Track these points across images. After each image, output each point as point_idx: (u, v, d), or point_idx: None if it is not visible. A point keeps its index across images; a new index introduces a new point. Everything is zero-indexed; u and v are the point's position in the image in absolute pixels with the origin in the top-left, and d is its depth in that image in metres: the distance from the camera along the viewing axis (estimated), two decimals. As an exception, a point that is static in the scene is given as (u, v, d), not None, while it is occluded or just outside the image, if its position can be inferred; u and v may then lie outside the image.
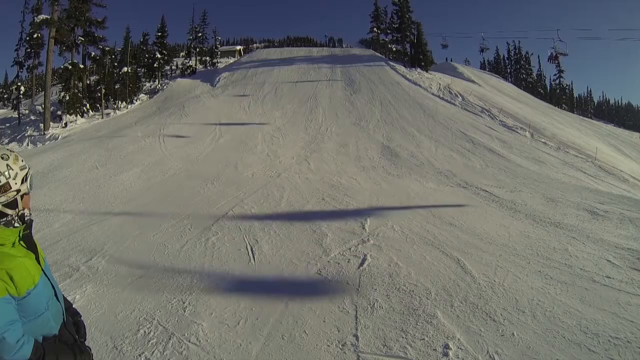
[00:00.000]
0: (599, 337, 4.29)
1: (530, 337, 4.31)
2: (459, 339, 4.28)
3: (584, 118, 43.35)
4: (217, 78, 37.51)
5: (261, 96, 31.37)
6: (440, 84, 33.41)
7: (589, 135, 28.17)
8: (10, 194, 1.82)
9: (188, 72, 43.81)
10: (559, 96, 63.29)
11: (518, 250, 6.95)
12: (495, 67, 67.27)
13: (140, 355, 4.03)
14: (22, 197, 1.89)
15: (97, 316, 4.82)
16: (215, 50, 53.81)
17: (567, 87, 69.38)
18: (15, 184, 1.84)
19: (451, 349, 4.10)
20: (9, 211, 1.83)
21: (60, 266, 6.28)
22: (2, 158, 1.83)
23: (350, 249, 7.09)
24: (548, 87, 67.90)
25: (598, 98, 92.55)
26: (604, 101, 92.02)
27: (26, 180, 1.90)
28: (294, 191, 11.34)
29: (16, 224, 1.87)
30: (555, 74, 65.46)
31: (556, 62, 46.97)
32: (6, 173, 1.81)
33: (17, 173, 1.85)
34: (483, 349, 4.12)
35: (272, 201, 10.31)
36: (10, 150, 1.90)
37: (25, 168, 1.91)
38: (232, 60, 55.15)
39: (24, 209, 1.90)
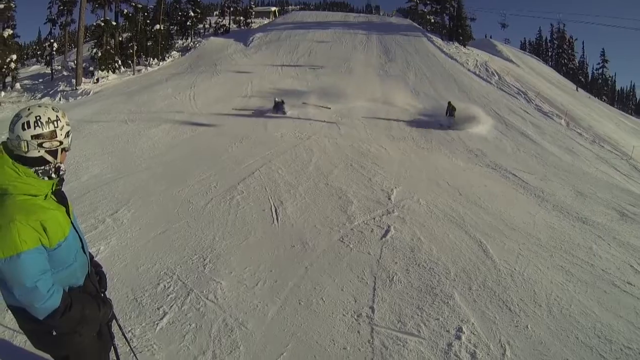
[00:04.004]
0: (611, 343, 4.15)
1: (543, 332, 4.20)
2: (473, 324, 4.21)
3: (623, 113, 40.93)
4: (251, 38, 36.96)
5: (295, 58, 30.90)
6: (477, 61, 31.98)
7: (627, 132, 26.50)
8: (54, 143, 1.92)
9: (221, 32, 43.39)
10: (600, 87, 59.97)
11: (542, 241, 6.73)
12: (537, 49, 63.96)
13: (158, 309, 4.07)
14: (61, 150, 1.99)
15: (120, 268, 4.89)
16: (250, 10, 52.94)
17: (610, 78, 65.40)
18: (61, 135, 1.94)
19: (464, 333, 4.04)
20: (50, 158, 1.93)
21: (86, 218, 6.39)
22: (54, 109, 1.94)
23: (374, 218, 7.00)
24: (589, 76, 64.20)
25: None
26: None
27: (68, 136, 2.00)
28: (323, 155, 11.26)
29: (53, 175, 1.96)
30: (598, 63, 61.90)
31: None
32: (55, 122, 1.92)
33: (63, 126, 1.96)
34: (495, 337, 4.04)
35: (300, 163, 10.26)
36: (59, 108, 2.01)
37: (69, 126, 2.01)
38: (266, 21, 54.29)
39: (61, 163, 2.00)
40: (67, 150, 2.04)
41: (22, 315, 1.96)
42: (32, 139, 1.85)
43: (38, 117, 1.86)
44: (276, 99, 17.79)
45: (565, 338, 4.15)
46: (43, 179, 1.91)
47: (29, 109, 1.89)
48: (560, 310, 4.66)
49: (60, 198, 2.07)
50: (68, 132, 1.98)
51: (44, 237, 1.85)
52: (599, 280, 5.58)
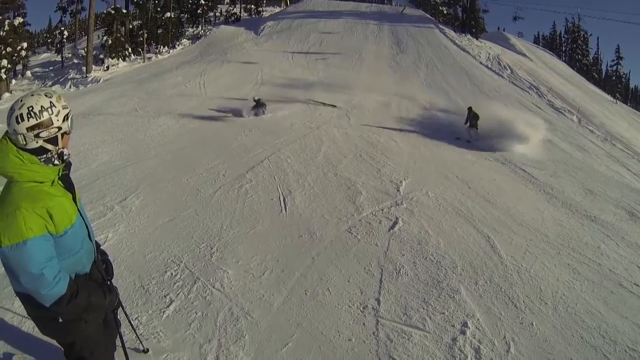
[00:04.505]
0: (616, 344, 4.12)
1: (548, 330, 4.18)
2: (478, 319, 4.20)
3: (636, 111, 39.87)
4: (262, 27, 36.69)
5: (305, 47, 30.65)
6: (489, 54, 31.43)
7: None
8: (52, 130, 1.89)
9: (232, 20, 43.17)
10: (613, 84, 58.68)
11: (549, 238, 6.66)
12: (550, 44, 62.66)
13: (165, 297, 4.09)
14: (62, 135, 1.95)
15: (127, 255, 4.92)
16: (261, -2, 52.57)
17: (624, 75, 63.87)
18: (57, 120, 1.90)
19: (469, 328, 4.02)
20: (50, 147, 1.90)
21: (95, 205, 6.43)
22: (46, 95, 1.89)
23: (382, 210, 6.98)
24: (603, 73, 62.76)
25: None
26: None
27: (67, 119, 1.96)
28: (332, 145, 11.21)
29: (56, 162, 1.94)
30: (613, 60, 60.60)
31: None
32: (49, 109, 1.87)
33: (59, 110, 1.91)
34: (500, 333, 4.02)
35: (309, 153, 10.26)
36: (53, 92, 1.98)
37: (67, 108, 1.96)
38: (277, 9, 53.76)
39: (63, 148, 1.97)
40: (69, 134, 2.00)
41: (29, 302, 1.97)
42: (27, 131, 1.82)
43: (30, 108, 1.82)
44: (255, 97, 15.20)
45: (570, 337, 4.12)
46: (48, 166, 1.91)
47: (21, 100, 1.86)
48: (566, 309, 4.62)
49: (68, 184, 2.07)
50: (66, 116, 1.94)
51: (50, 224, 1.86)
52: (605, 280, 5.52)
